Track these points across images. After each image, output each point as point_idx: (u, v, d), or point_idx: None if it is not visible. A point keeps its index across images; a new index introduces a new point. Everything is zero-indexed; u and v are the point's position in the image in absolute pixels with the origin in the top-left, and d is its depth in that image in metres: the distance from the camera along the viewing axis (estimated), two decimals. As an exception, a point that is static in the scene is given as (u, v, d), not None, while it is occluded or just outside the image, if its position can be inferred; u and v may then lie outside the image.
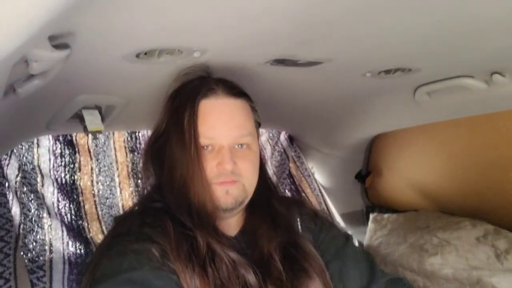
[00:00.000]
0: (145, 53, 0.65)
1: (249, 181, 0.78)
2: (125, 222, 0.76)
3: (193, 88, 0.76)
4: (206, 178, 0.73)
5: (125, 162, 1.29)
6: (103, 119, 0.95)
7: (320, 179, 1.60)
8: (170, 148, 0.76)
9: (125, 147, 1.30)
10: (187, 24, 0.57)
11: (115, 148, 1.28)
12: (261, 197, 0.84)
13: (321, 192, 1.57)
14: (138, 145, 1.33)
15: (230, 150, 0.74)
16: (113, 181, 1.25)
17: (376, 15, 0.58)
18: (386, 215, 1.43)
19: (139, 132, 1.34)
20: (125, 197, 1.24)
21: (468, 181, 1.30)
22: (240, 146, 0.77)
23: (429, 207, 1.42)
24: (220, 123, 0.75)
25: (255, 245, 0.78)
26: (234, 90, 0.78)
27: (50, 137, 1.17)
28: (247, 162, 0.77)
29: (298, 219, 0.88)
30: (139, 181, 1.30)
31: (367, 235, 1.44)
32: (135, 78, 0.80)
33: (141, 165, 0.83)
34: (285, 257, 0.77)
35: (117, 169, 1.27)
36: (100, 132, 0.91)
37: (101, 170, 1.24)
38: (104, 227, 1.15)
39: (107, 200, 1.21)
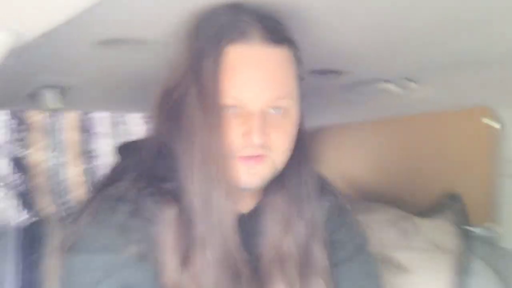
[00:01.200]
0: (108, 40, 0.66)
1: (281, 156, 0.61)
2: (120, 181, 0.62)
3: (218, 27, 0.57)
4: (228, 149, 0.57)
5: (77, 141, 1.36)
6: (61, 98, 1.02)
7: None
8: (186, 106, 0.59)
9: (77, 127, 1.37)
10: (149, 16, 0.58)
11: (67, 128, 1.35)
12: (293, 171, 0.66)
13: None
14: (90, 126, 1.40)
15: (262, 117, 0.57)
16: (64, 158, 1.32)
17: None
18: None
19: (91, 113, 1.41)
20: (75, 174, 1.32)
21: (385, 173, 1.51)
22: (275, 110, 0.59)
23: (354, 196, 1.62)
24: (251, 79, 0.57)
25: (269, 233, 0.66)
26: (275, 34, 0.58)
27: (7, 112, 1.22)
28: (283, 133, 0.60)
29: (326, 209, 0.73)
30: (90, 160, 1.38)
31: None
32: (97, 61, 0.81)
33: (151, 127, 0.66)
34: (299, 262, 0.65)
35: (69, 147, 1.34)
36: (58, 110, 0.99)
37: (54, 147, 1.30)
38: (55, 200, 1.23)
39: (57, 176, 1.28)
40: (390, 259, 1.25)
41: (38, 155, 1.27)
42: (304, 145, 0.68)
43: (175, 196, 0.60)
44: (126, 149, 0.72)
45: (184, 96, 0.59)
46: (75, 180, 1.31)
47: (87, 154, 1.37)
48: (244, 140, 0.57)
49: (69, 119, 1.36)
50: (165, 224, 0.59)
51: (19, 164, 1.22)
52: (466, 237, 1.26)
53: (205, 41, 0.57)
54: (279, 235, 0.65)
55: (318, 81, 1.11)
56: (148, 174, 0.62)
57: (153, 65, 0.85)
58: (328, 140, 1.68)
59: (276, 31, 0.58)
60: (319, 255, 0.67)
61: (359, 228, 0.78)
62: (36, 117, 1.29)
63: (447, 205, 1.34)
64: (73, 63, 0.85)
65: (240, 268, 0.61)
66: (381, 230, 1.35)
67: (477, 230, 1.28)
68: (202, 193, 0.58)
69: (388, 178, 1.49)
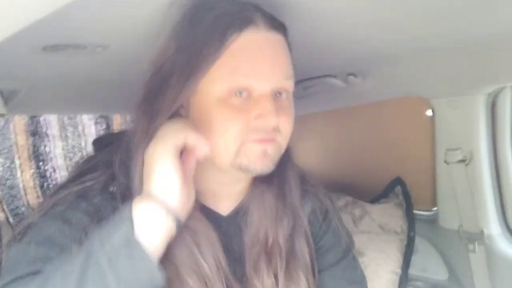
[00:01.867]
0: (52, 46, 0.67)
1: (286, 139, 0.61)
2: (87, 175, 0.61)
3: (221, 15, 0.56)
4: (238, 135, 0.56)
5: (26, 145, 1.33)
6: (5, 103, 1.00)
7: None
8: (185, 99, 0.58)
9: (25, 131, 1.34)
10: (89, 23, 0.59)
11: (15, 132, 1.31)
12: (281, 166, 0.65)
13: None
14: (39, 129, 1.37)
15: (273, 99, 0.57)
16: (13, 163, 1.28)
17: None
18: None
19: (40, 116, 1.38)
20: (26, 178, 1.29)
21: (335, 161, 1.58)
22: (279, 94, 0.60)
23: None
24: (261, 62, 0.56)
25: (256, 228, 0.65)
26: (275, 21, 0.59)
27: None
28: (289, 116, 0.61)
29: (308, 211, 0.72)
30: (40, 163, 1.35)
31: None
32: (41, 66, 0.81)
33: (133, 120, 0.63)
34: (285, 253, 0.65)
35: (17, 151, 1.31)
36: (1, 116, 0.96)
37: (1, 152, 1.27)
38: (5, 206, 1.20)
39: (7, 181, 1.25)
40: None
41: (-15, 161, 1.23)
42: (290, 140, 0.68)
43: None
44: (100, 143, 0.72)
45: (175, 85, 0.57)
46: (26, 185, 1.28)
47: (37, 158, 1.35)
48: (257, 123, 0.56)
49: (17, 123, 1.33)
50: None
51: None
52: (411, 218, 1.36)
53: (207, 28, 0.55)
54: (266, 229, 0.64)
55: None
56: (118, 170, 0.60)
57: (98, 67, 0.86)
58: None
59: (274, 18, 0.59)
60: (302, 250, 0.68)
61: (344, 232, 0.76)
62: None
63: (393, 190, 1.43)
64: (15, 68, 0.84)
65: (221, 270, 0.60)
66: (333, 217, 1.42)
67: (420, 212, 1.38)
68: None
69: (340, 166, 1.57)
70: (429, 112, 1.23)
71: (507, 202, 1.14)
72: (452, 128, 1.11)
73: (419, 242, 1.34)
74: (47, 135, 1.38)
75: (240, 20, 0.55)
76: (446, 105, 1.08)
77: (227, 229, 0.64)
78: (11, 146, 1.29)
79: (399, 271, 1.26)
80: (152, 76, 0.60)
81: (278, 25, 0.59)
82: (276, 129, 0.58)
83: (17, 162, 1.29)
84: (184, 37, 0.57)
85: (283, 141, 0.61)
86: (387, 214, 1.38)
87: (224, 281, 0.60)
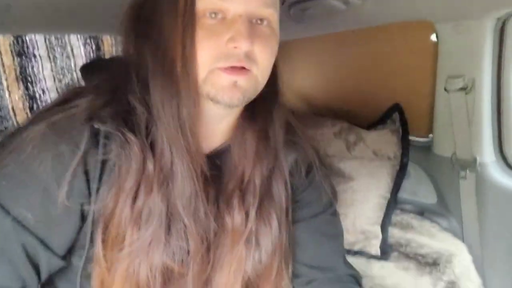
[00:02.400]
0: None
1: (264, 72, 0.59)
2: (73, 103, 0.58)
3: None
4: (208, 60, 0.54)
5: (12, 65, 1.29)
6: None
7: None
8: (158, 18, 0.56)
9: (11, 51, 1.28)
10: None
11: (0, 52, 1.26)
12: (265, 102, 0.64)
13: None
14: (26, 49, 1.31)
15: (248, 23, 0.54)
16: (1, 85, 1.25)
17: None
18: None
19: (26, 35, 1.31)
20: (14, 99, 1.27)
21: (334, 87, 1.55)
22: (260, 21, 0.56)
23: (306, 110, 1.66)
24: None
25: (232, 167, 0.65)
26: None
27: None
28: (267, 46, 0.57)
29: (291, 162, 0.70)
30: (29, 84, 1.32)
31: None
32: None
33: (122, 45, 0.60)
34: (259, 193, 0.65)
35: (4, 72, 1.27)
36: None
37: (-13, 73, 1.23)
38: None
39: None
40: (334, 168, 1.34)
41: (-28, 82, 1.20)
42: (276, 78, 0.67)
43: (136, 126, 0.57)
44: (88, 69, 0.68)
45: (154, 8, 0.56)
46: (15, 106, 1.26)
47: (25, 79, 1.31)
48: (228, 48, 0.54)
49: (2, 43, 1.27)
50: (122, 158, 0.56)
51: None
52: (404, 144, 1.36)
53: None
54: (244, 168, 0.64)
55: None
56: (108, 98, 0.58)
57: None
58: (279, 56, 1.67)
59: None
60: (279, 193, 0.67)
61: (328, 187, 0.75)
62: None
63: (391, 117, 1.41)
64: None
65: (202, 200, 0.60)
66: (328, 143, 1.42)
67: (415, 139, 1.38)
68: (172, 109, 0.55)
69: (338, 92, 1.54)
70: (433, 37, 1.17)
71: (505, 131, 1.14)
72: (456, 55, 1.06)
73: (411, 167, 1.36)
74: (34, 56, 1.33)
75: None
76: (451, 30, 1.02)
77: (209, 167, 0.62)
78: (-3, 67, 1.25)
79: (387, 195, 1.29)
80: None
81: None
82: (250, 57, 0.55)
83: (4, 83, 1.26)
84: None
85: (259, 73, 0.58)
86: (382, 140, 1.38)
87: (194, 216, 0.59)
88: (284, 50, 1.65)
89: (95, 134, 0.56)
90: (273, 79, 0.64)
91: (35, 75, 1.34)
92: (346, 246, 1.19)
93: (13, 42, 1.29)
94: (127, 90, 0.58)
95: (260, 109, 0.65)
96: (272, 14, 0.57)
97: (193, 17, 0.53)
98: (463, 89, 1.09)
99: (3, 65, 1.27)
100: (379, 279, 1.05)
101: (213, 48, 0.54)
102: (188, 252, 0.60)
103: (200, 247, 0.60)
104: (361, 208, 1.24)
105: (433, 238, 1.20)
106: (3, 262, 0.54)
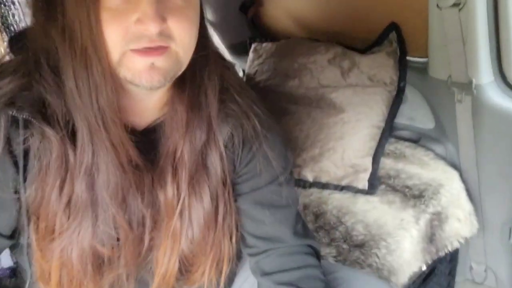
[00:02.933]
0: None
1: (185, 47, 0.55)
2: None
3: None
4: (118, 42, 0.51)
5: (-7, 16, 1.28)
6: None
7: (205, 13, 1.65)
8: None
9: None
10: None
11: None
12: (194, 71, 0.61)
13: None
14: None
15: (156, 0, 0.50)
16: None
17: None
18: (263, 45, 1.57)
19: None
20: (0, 52, 1.28)
21: (328, 8, 1.43)
22: None
23: (301, 34, 1.56)
24: None
25: (164, 141, 0.62)
26: None
27: None
28: (184, 20, 0.53)
29: (226, 135, 0.65)
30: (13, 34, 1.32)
31: (247, 64, 1.59)
32: None
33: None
34: (190, 166, 0.62)
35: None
36: None
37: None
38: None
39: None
40: (326, 100, 1.29)
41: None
42: (207, 42, 0.62)
43: (53, 116, 0.54)
44: (15, 42, 0.62)
45: None
46: (2, 59, 1.29)
47: (9, 29, 1.31)
48: (137, 30, 0.50)
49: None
50: (39, 144, 0.55)
51: None
52: (401, 67, 1.27)
53: None
54: (176, 142, 0.61)
55: None
56: (23, 82, 0.55)
57: None
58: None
59: None
60: (213, 165, 0.64)
61: (279, 156, 0.69)
62: None
63: (387, 37, 1.31)
64: None
65: (135, 178, 0.59)
66: (321, 72, 1.35)
67: (412, 59, 1.28)
68: (88, 97, 0.52)
69: (330, 13, 1.42)
70: None
71: (504, 49, 1.03)
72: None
73: (408, 91, 1.28)
74: (13, 3, 1.31)
75: None
76: None
77: (142, 145, 0.59)
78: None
79: (382, 124, 1.24)
80: None
81: None
82: (164, 35, 0.51)
83: (-12, 34, 1.27)
84: None
85: (179, 49, 0.53)
86: (378, 64, 1.29)
87: (122, 205, 0.59)
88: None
89: (14, 122, 0.54)
90: (202, 44, 0.59)
91: (17, 24, 1.33)
92: (334, 181, 1.19)
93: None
94: (38, 77, 0.55)
95: (190, 79, 0.60)
96: None
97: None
98: (456, 5, 0.98)
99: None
100: (361, 214, 1.05)
101: (120, 29, 0.50)
102: (118, 239, 0.60)
103: (130, 233, 0.60)
104: (351, 141, 1.20)
105: (424, 167, 1.16)
106: None
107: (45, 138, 0.54)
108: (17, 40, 0.62)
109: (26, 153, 0.55)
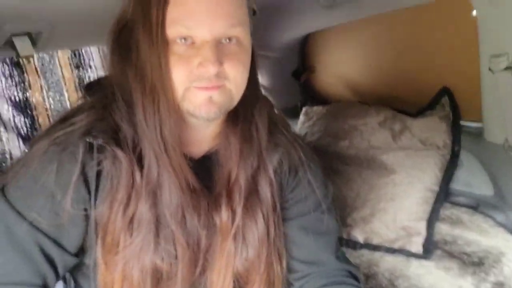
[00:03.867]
0: None
1: (238, 85, 0.63)
2: (70, 117, 0.66)
3: None
4: (183, 80, 0.59)
5: (72, 77, 1.44)
6: (34, 43, 1.07)
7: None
8: (136, 42, 0.61)
9: (70, 64, 1.43)
10: None
11: (60, 66, 1.41)
12: (246, 107, 0.69)
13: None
14: (82, 61, 1.46)
15: (215, 46, 0.58)
16: (63, 96, 1.41)
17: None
18: (314, 108, 1.62)
19: (82, 49, 1.46)
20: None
21: (380, 73, 1.47)
22: (228, 40, 0.61)
23: (351, 97, 1.61)
24: (203, 7, 0.58)
25: (219, 169, 0.69)
26: None
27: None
28: (237, 62, 0.61)
29: (275, 163, 0.72)
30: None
31: (298, 126, 1.64)
32: (48, 6, 0.88)
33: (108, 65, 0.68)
34: (244, 191, 0.69)
35: (65, 84, 1.42)
36: (31, 56, 1.04)
37: (50, 86, 1.39)
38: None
39: (59, 113, 1.39)
40: (377, 161, 1.29)
41: (37, 96, 1.36)
42: (256, 84, 0.72)
43: (124, 142, 0.63)
44: (90, 88, 0.76)
45: (132, 32, 0.62)
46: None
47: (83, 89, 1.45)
48: (199, 72, 0.59)
49: (61, 57, 1.42)
50: (112, 171, 0.63)
51: (20, 107, 1.33)
52: (455, 131, 1.26)
53: None
54: (230, 169, 0.68)
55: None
56: (100, 115, 0.65)
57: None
58: (321, 44, 1.64)
59: None
60: (264, 191, 0.71)
61: (321, 184, 0.77)
62: (27, 60, 1.36)
63: (439, 101, 1.31)
64: (37, 10, 0.88)
65: (194, 204, 0.65)
66: (372, 133, 1.37)
67: (467, 124, 1.27)
68: (154, 128, 0.60)
69: (381, 77, 1.46)
70: (474, 13, 1.06)
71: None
72: (496, 31, 0.95)
73: (463, 156, 1.25)
74: (90, 67, 1.47)
75: None
76: (488, 4, 0.91)
77: (198, 172, 0.67)
78: (58, 80, 1.41)
79: (436, 188, 1.20)
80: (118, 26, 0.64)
81: None
82: (221, 76, 0.60)
83: (65, 94, 1.41)
84: None
85: (233, 87, 0.63)
86: (430, 128, 1.29)
87: (181, 223, 0.65)
88: (322, 38, 1.64)
89: (90, 148, 0.63)
90: (253, 85, 0.69)
91: (92, 84, 1.48)
92: (386, 244, 1.15)
93: (71, 56, 1.44)
94: (113, 108, 0.65)
95: (242, 114, 0.69)
96: (240, 31, 0.62)
97: (166, 44, 0.59)
98: (509, 68, 0.98)
99: (63, 78, 1.42)
100: (415, 279, 1.00)
101: (185, 71, 0.59)
102: (176, 256, 0.65)
103: (187, 251, 0.66)
104: (403, 203, 1.17)
105: (483, 235, 1.09)
106: (25, 261, 0.62)
107: (116, 161, 0.63)
108: (91, 87, 0.76)
109: (98, 175, 0.64)
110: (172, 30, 0.59)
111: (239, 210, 0.67)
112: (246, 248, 0.69)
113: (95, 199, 0.64)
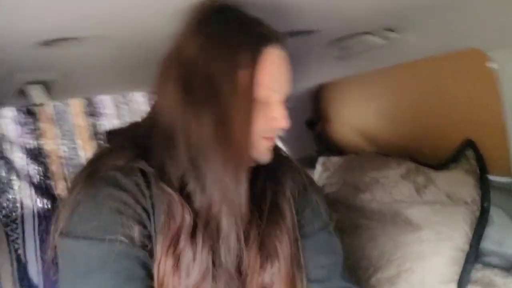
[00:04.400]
0: (53, 40, 0.70)
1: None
2: (112, 152, 0.70)
3: (254, 30, 0.66)
4: (258, 132, 0.68)
5: (86, 125, 1.42)
6: (49, 92, 1.06)
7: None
8: (213, 95, 0.64)
9: (84, 112, 1.42)
10: (83, 15, 0.62)
11: (74, 114, 1.40)
12: None
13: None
14: (96, 110, 1.44)
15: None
16: (76, 144, 1.38)
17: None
18: (331, 158, 1.57)
19: (95, 97, 1.45)
20: (88, 157, 1.39)
21: (398, 125, 1.44)
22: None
23: (369, 148, 1.56)
24: (282, 75, 0.69)
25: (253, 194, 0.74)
26: (284, 39, 0.71)
27: (12, 108, 1.29)
28: None
29: (289, 186, 0.81)
30: (101, 142, 1.44)
31: (314, 177, 1.59)
32: (60, 56, 0.87)
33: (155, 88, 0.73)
34: (268, 213, 0.76)
35: (78, 132, 1.40)
36: (42, 105, 1.02)
37: (64, 134, 1.37)
38: (69, 184, 1.31)
39: (72, 161, 1.35)
40: (401, 216, 1.22)
41: (50, 144, 1.34)
42: None
43: (169, 180, 0.67)
44: (114, 135, 0.78)
45: (206, 81, 0.64)
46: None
47: (97, 137, 1.43)
48: (271, 125, 0.69)
49: (74, 106, 1.41)
50: (168, 205, 0.66)
51: (33, 155, 1.30)
52: (483, 186, 1.19)
53: (241, 39, 0.65)
54: (260, 189, 0.76)
55: (295, 42, 1.05)
56: (143, 155, 0.68)
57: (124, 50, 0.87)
58: (335, 94, 1.62)
59: (283, 36, 0.70)
60: (286, 212, 0.78)
61: (324, 209, 0.85)
62: (42, 109, 1.35)
63: (463, 154, 1.26)
64: (50, 60, 0.87)
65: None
66: (394, 186, 1.31)
67: (494, 178, 1.20)
68: (224, 171, 0.65)
69: (400, 129, 1.42)
70: (489, 64, 1.03)
71: None
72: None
73: (494, 213, 1.17)
74: (103, 115, 1.46)
75: (270, 38, 0.67)
76: (509, 56, 0.89)
77: None
78: (72, 128, 1.39)
79: (466, 247, 1.12)
80: (182, 70, 0.66)
81: (286, 43, 0.70)
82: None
83: (79, 142, 1.39)
84: (213, 38, 0.65)
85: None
86: (456, 181, 1.23)
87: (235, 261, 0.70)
88: (336, 88, 1.62)
89: (145, 184, 0.67)
90: None
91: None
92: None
93: (85, 103, 1.43)
94: (159, 149, 0.69)
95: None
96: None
97: (250, 102, 0.65)
98: (539, 121, 0.94)
99: (77, 126, 1.40)
100: None
101: (263, 125, 0.68)
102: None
103: (231, 282, 0.70)
104: (431, 263, 1.09)
105: (521, 299, 1.00)
106: (125, 281, 0.64)
107: (165, 197, 0.66)
108: (113, 133, 0.79)
109: (153, 212, 0.67)
110: (261, 92, 0.66)
111: (263, 227, 0.74)
112: (279, 265, 0.74)
113: (155, 234, 0.67)
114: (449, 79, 1.22)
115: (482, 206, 1.18)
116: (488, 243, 1.18)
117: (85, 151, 1.40)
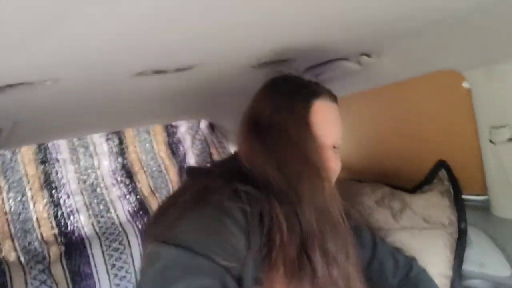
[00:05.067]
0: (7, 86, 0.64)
1: None
2: (212, 178, 0.77)
3: (299, 87, 0.81)
4: (329, 173, 0.78)
5: (37, 174, 1.30)
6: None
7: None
8: (285, 142, 0.75)
9: (35, 159, 1.30)
10: (33, 61, 0.57)
11: (23, 162, 1.28)
12: None
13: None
14: (48, 155, 1.33)
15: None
16: (25, 196, 1.25)
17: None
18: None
19: (47, 143, 1.34)
20: (38, 209, 1.26)
21: (370, 149, 1.41)
22: (336, 146, 0.83)
23: (345, 176, 1.52)
24: (337, 125, 0.81)
25: None
26: (333, 94, 0.85)
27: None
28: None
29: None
30: (53, 191, 1.32)
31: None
32: (8, 104, 0.80)
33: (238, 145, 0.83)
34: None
35: (28, 182, 1.27)
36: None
37: (11, 186, 1.24)
38: (17, 244, 1.17)
39: (20, 216, 1.22)
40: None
41: (-5, 198, 1.21)
42: None
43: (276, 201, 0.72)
44: (195, 171, 0.87)
45: (280, 135, 0.75)
46: (39, 216, 1.25)
47: (49, 186, 1.31)
48: (336, 168, 0.82)
49: (25, 153, 1.29)
50: (277, 224, 0.70)
51: (-25, 213, 1.17)
52: (460, 207, 1.17)
53: (302, 97, 0.79)
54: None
55: (271, 72, 1.02)
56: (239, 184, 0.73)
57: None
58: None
59: (332, 92, 0.85)
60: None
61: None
62: (-14, 159, 1.22)
63: (437, 175, 1.24)
64: None
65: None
66: (370, 214, 1.26)
67: (470, 197, 1.19)
68: (314, 194, 0.73)
69: (375, 153, 1.40)
70: (466, 84, 1.03)
71: None
72: (493, 103, 0.91)
73: (472, 233, 1.15)
74: (57, 160, 1.34)
75: (313, 92, 0.80)
76: (482, 76, 0.88)
77: None
78: (20, 178, 1.26)
79: (449, 272, 1.08)
80: (253, 126, 0.79)
81: (334, 98, 0.85)
82: None
83: (28, 193, 1.26)
84: (276, 100, 0.79)
85: None
86: (431, 204, 1.20)
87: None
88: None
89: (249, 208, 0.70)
90: None
91: (59, 180, 1.34)
92: None
93: (36, 150, 1.32)
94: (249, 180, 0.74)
95: None
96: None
97: (328, 149, 0.79)
98: (511, 139, 0.92)
99: (26, 176, 1.28)
100: None
101: (332, 167, 0.80)
102: None
103: None
104: (417, 292, 1.03)
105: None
106: None
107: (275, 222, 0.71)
108: (194, 170, 0.88)
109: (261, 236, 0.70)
110: (327, 139, 0.79)
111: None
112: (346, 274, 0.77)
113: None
114: (425, 100, 1.21)
115: (459, 227, 1.15)
116: (469, 265, 1.15)
117: (36, 203, 1.27)
